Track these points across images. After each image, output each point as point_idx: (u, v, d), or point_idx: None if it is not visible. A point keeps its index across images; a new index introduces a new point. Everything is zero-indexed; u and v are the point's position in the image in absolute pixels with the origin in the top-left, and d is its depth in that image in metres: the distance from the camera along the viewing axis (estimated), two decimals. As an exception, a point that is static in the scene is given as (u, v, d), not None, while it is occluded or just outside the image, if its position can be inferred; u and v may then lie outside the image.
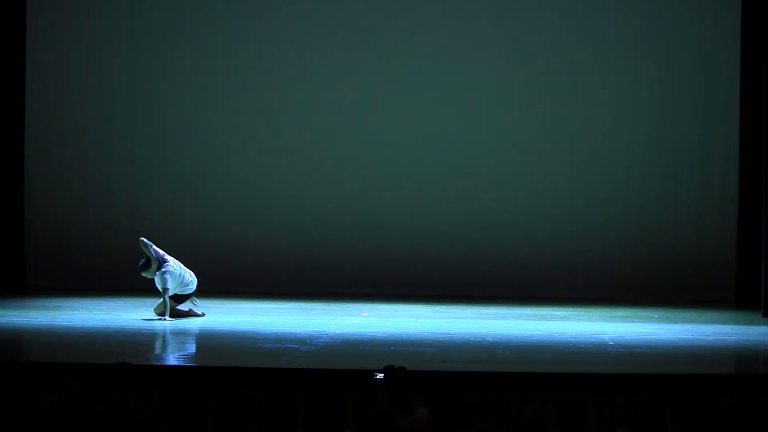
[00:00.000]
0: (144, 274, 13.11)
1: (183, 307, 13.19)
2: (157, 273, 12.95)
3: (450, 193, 16.23)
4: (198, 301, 13.36)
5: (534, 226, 16.20)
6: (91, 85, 16.24)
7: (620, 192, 16.20)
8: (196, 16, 16.26)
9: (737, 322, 13.69)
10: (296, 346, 11.14)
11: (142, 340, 11.56)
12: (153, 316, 12.96)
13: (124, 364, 7.59)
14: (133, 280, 15.40)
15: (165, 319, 12.76)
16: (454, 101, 16.21)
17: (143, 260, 13.16)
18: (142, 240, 13.22)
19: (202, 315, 13.23)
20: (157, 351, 11.64)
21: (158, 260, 13.03)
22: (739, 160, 15.40)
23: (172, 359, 11.25)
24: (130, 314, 13.33)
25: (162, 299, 12.90)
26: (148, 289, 13.55)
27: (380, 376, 7.89)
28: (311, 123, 16.24)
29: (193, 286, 13.19)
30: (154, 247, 13.13)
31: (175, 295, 13.05)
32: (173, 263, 13.06)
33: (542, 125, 16.20)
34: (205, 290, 13.92)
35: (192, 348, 11.87)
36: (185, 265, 13.23)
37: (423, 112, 16.23)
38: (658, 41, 16.08)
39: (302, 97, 16.24)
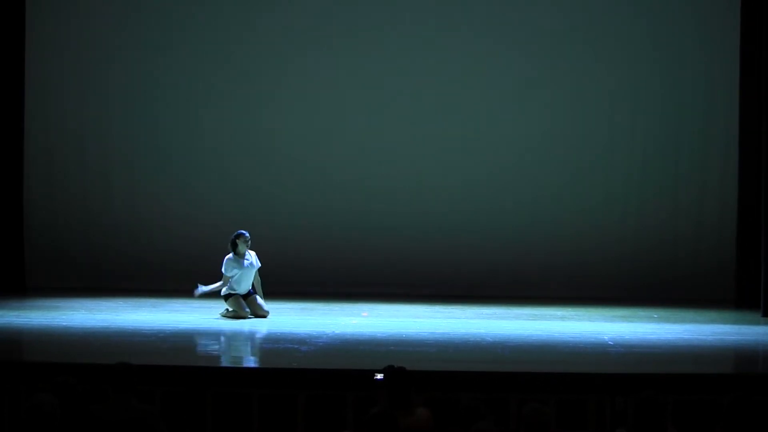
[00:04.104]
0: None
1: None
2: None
3: (449, 194, 16.23)
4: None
5: (534, 226, 16.21)
6: (90, 86, 16.25)
7: (620, 192, 16.21)
8: (194, 16, 16.28)
9: (737, 322, 13.70)
10: (296, 346, 11.16)
11: (142, 341, 11.56)
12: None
13: (125, 364, 7.60)
14: (132, 281, 15.48)
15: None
16: (454, 102, 16.22)
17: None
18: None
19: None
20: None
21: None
22: (738, 160, 15.41)
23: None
24: (130, 314, 13.35)
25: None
26: (147, 290, 13.58)
27: (380, 376, 7.90)
28: (312, 125, 16.26)
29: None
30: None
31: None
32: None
33: (542, 126, 16.20)
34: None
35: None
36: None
37: (424, 113, 16.24)
38: (658, 41, 16.08)
39: (301, 98, 16.25)
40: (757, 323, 13.58)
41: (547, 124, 16.20)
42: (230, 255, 13.24)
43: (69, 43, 16.23)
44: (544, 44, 16.13)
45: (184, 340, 11.64)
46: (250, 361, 11.26)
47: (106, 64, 16.25)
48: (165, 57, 16.26)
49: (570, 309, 14.53)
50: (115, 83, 16.27)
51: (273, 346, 11.61)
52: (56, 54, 16.21)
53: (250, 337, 12.23)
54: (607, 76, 16.12)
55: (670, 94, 16.11)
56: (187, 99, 16.29)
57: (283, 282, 15.72)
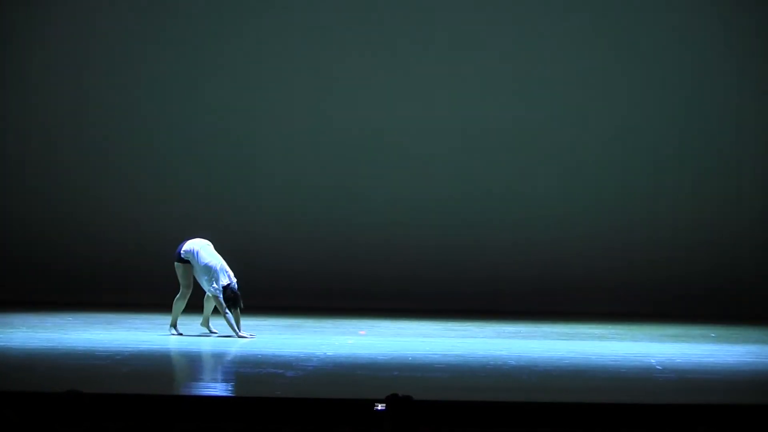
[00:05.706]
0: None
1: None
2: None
3: (465, 187, 16.29)
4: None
5: (565, 227, 16.23)
6: (59, 92, 16.53)
7: (668, 187, 16.26)
8: (190, 14, 16.53)
9: (809, 343, 13.76)
10: (280, 371, 11.17)
11: (95, 364, 11.57)
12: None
13: (75, 392, 7.61)
14: (82, 293, 15.53)
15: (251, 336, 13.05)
16: (472, 111, 16.42)
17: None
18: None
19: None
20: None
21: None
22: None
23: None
24: (81, 333, 13.36)
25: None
26: (99, 303, 13.57)
27: (381, 406, 7.92)
28: (312, 128, 16.44)
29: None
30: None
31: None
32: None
33: (584, 135, 16.31)
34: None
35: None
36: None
37: (438, 119, 16.41)
38: (683, 37, 16.19)
39: (301, 101, 16.47)
40: (833, 343, 13.64)
41: (592, 133, 16.28)
42: (224, 291, 13.22)
43: (39, 43, 16.47)
44: (550, 48, 16.30)
45: (145, 364, 11.63)
46: (225, 390, 11.27)
47: (80, 70, 16.56)
48: (145, 58, 16.62)
49: (609, 326, 14.55)
50: (90, 90, 16.52)
51: (253, 371, 11.61)
52: (26, 58, 16.51)
53: (225, 360, 12.23)
54: (640, 88, 16.30)
55: (701, 92, 16.22)
56: (168, 100, 16.50)
57: (266, 295, 15.77)
